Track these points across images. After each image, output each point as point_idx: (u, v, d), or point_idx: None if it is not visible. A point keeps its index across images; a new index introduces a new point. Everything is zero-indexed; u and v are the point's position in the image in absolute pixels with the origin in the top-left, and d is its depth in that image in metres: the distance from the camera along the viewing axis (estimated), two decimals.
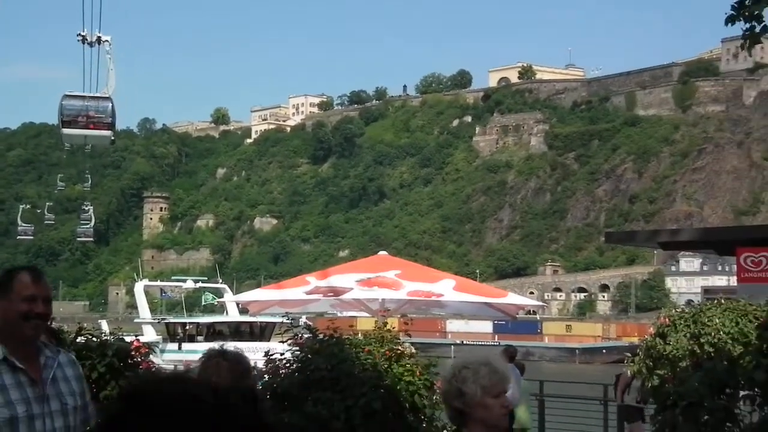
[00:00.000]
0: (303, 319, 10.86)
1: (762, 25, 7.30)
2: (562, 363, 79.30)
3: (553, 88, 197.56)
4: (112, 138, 24.10)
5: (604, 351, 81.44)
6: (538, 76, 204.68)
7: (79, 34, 22.05)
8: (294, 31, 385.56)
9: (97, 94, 23.11)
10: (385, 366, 7.78)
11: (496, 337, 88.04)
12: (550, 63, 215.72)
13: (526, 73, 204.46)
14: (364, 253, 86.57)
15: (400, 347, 8.14)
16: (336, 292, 11.12)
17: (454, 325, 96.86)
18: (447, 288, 11.21)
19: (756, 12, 7.19)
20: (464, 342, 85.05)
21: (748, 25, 7.33)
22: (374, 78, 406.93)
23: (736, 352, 5.86)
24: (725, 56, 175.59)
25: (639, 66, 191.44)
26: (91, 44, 22.18)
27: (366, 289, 10.91)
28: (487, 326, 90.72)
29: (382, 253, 13.00)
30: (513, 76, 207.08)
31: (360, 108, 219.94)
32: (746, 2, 7.21)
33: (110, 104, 23.03)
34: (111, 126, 23.20)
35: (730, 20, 7.34)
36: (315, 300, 11.97)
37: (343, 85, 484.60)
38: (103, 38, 22.34)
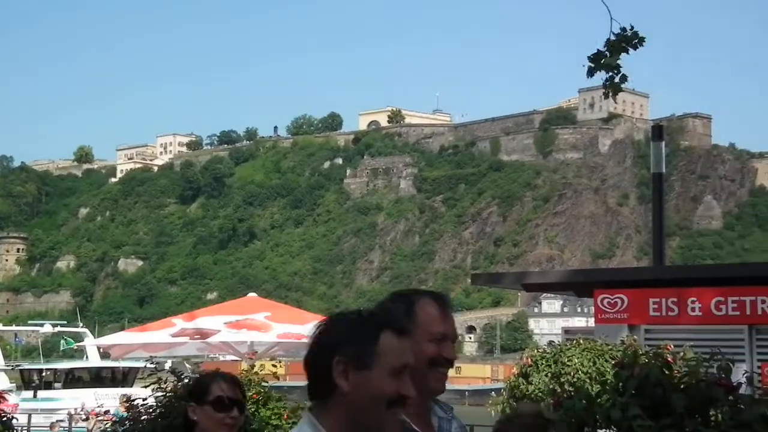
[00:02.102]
0: (188, 366, 10.57)
1: (621, 74, 7.73)
2: (451, 404, 79.85)
3: (422, 133, 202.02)
4: None
5: (493, 393, 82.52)
6: (407, 120, 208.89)
7: None
8: (162, 68, 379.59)
9: None
10: (252, 410, 7.66)
11: None
12: (419, 108, 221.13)
13: (395, 117, 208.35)
14: (233, 295, 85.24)
15: None
16: (203, 334, 10.88)
17: None
18: None
19: (614, 63, 7.61)
20: None
21: (607, 75, 7.74)
22: (244, 118, 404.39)
23: (594, 391, 6.08)
24: (582, 105, 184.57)
25: (503, 113, 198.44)
26: None
27: (234, 332, 10.73)
28: None
29: (252, 294, 12.85)
30: (383, 120, 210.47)
31: (230, 148, 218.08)
32: (605, 53, 7.63)
33: None
34: None
35: (591, 73, 7.71)
36: (181, 343, 11.66)
37: (212, 125, 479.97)
38: None
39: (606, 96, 8.02)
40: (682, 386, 5.31)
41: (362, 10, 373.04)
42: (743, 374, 5.45)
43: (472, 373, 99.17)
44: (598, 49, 7.69)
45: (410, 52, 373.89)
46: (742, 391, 5.30)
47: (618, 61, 7.65)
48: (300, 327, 11.11)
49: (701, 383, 5.27)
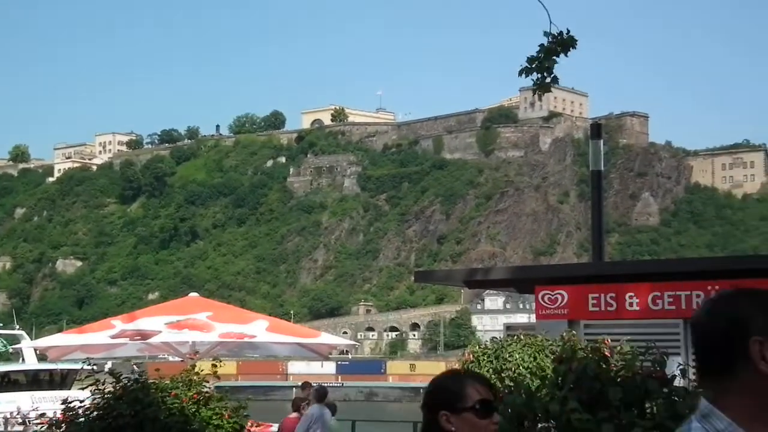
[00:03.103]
0: (135, 368, 10.43)
1: (552, 76, 7.94)
2: (406, 402, 79.86)
3: (365, 131, 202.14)
4: None
5: None
6: (350, 119, 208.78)
7: None
8: (101, 65, 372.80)
9: None
10: (193, 410, 7.59)
11: (340, 377, 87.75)
12: (362, 106, 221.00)
13: (339, 115, 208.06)
14: (175, 295, 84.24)
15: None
16: (143, 335, 10.75)
17: (295, 367, 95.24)
18: (260, 329, 11.12)
19: (546, 65, 7.82)
20: None
21: (539, 76, 7.96)
22: (186, 117, 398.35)
23: (534, 386, 6.17)
24: (523, 104, 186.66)
25: (446, 111, 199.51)
26: None
27: (175, 332, 10.63)
28: (330, 367, 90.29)
29: (193, 294, 12.74)
30: (326, 118, 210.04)
31: (171, 147, 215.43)
32: (539, 56, 7.84)
33: None
34: None
35: (524, 72, 7.92)
36: (121, 344, 11.52)
37: (153, 124, 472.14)
38: None
39: (534, 93, 8.39)
40: (618, 379, 5.42)
41: (302, 8, 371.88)
42: (677, 367, 5.58)
43: (427, 371, 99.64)
44: (532, 55, 7.94)
45: (352, 50, 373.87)
46: (676, 383, 5.43)
47: (550, 65, 7.90)
48: (242, 326, 11.05)
49: (637, 376, 5.38)
